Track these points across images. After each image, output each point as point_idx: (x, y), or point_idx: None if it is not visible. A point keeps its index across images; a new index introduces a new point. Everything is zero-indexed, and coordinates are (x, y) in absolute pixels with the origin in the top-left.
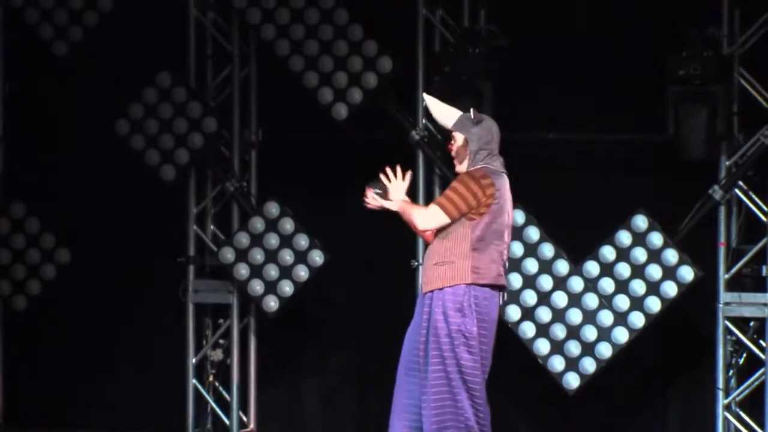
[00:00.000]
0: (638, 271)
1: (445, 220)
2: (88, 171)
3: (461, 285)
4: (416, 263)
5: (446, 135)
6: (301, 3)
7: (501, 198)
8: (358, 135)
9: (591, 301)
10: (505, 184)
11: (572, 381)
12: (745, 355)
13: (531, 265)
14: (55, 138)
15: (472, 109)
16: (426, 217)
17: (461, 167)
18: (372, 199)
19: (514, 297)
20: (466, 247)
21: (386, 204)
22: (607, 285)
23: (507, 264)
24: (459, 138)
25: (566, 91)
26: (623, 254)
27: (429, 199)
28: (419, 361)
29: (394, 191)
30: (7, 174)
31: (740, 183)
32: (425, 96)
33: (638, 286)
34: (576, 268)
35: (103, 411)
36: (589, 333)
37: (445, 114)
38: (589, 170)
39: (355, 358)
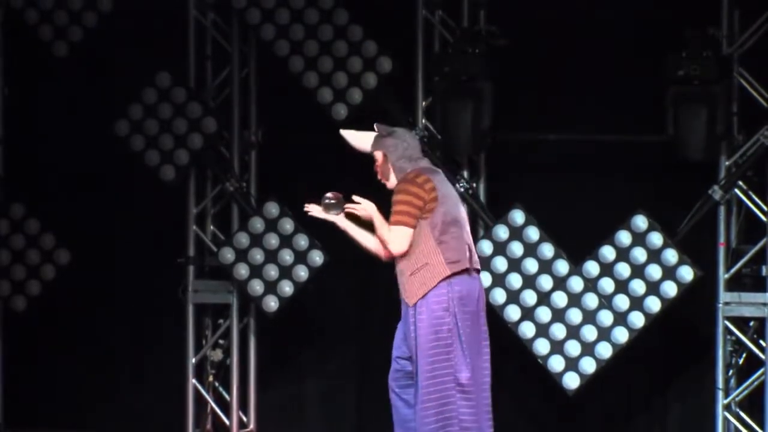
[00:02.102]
0: (638, 271)
1: (410, 232)
2: (88, 172)
3: (442, 284)
4: None
5: (370, 159)
6: (301, 3)
7: (441, 187)
8: None
9: (591, 301)
10: (441, 177)
11: (572, 381)
12: (744, 355)
13: (531, 265)
14: (55, 138)
15: (376, 125)
16: (396, 242)
17: (390, 183)
18: (320, 208)
19: (514, 297)
20: (432, 244)
21: (330, 217)
22: (607, 285)
23: (473, 248)
24: (378, 155)
25: (566, 91)
26: (623, 254)
27: None
28: (411, 373)
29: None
30: (7, 175)
31: (740, 183)
32: (342, 133)
33: (638, 286)
34: (576, 268)
35: (102, 411)
36: (589, 333)
37: (364, 140)
38: (589, 170)
39: (355, 359)
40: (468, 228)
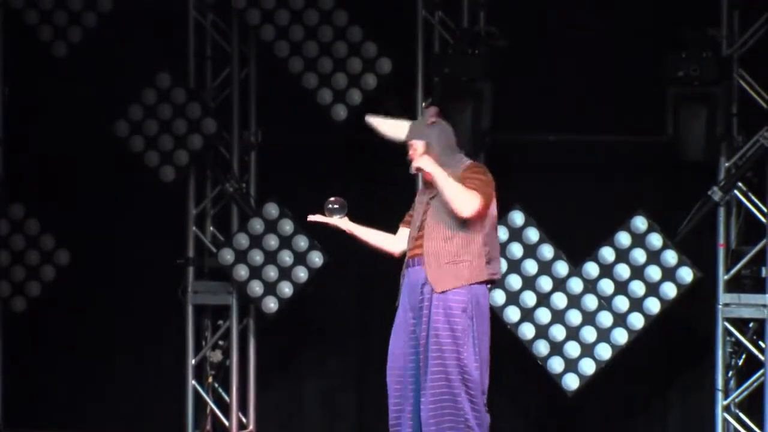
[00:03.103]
0: (638, 272)
1: (479, 208)
2: (88, 172)
3: (465, 286)
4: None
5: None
6: (301, 4)
7: None
8: (357, 136)
9: (590, 302)
10: None
11: (571, 382)
12: (744, 356)
13: (530, 266)
14: (55, 139)
15: (428, 109)
16: (473, 204)
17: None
18: (327, 212)
19: (514, 298)
20: (479, 244)
21: (333, 220)
22: (607, 286)
23: None
24: (419, 145)
25: (566, 91)
26: (623, 255)
27: None
28: (420, 364)
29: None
30: (7, 175)
31: (739, 184)
32: (368, 119)
33: (638, 287)
34: (575, 270)
35: (102, 412)
36: (589, 334)
37: (396, 128)
38: (589, 171)
39: (355, 359)
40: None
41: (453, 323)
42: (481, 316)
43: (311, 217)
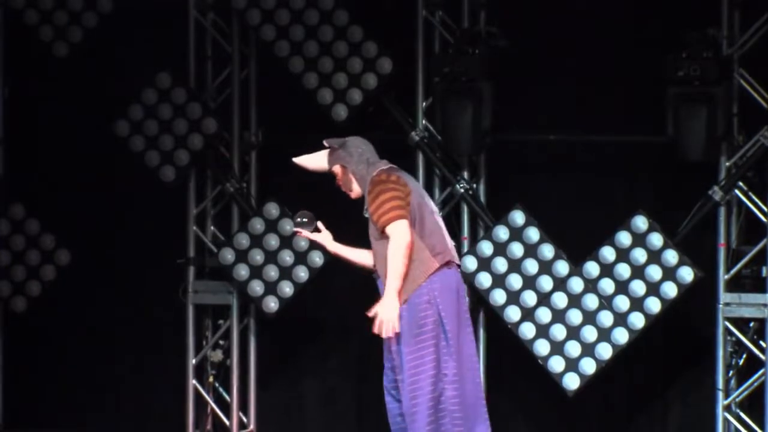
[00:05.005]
0: (638, 272)
1: (406, 223)
2: (88, 172)
3: (422, 284)
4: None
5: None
6: (301, 4)
7: (409, 180)
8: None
9: (591, 301)
10: (403, 172)
11: (571, 382)
12: (744, 355)
13: (531, 266)
14: (55, 139)
15: (325, 141)
16: (398, 240)
17: (355, 192)
18: (298, 229)
19: (514, 298)
20: (415, 238)
21: (312, 236)
22: (607, 286)
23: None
24: (337, 169)
25: (566, 91)
26: (623, 255)
27: None
28: (396, 372)
29: None
30: (7, 175)
31: (740, 184)
32: (295, 161)
33: (638, 287)
34: (576, 269)
35: (102, 412)
36: (589, 334)
37: (318, 161)
38: (589, 171)
39: (355, 359)
40: (441, 218)
41: (422, 318)
42: (447, 302)
43: (296, 229)
